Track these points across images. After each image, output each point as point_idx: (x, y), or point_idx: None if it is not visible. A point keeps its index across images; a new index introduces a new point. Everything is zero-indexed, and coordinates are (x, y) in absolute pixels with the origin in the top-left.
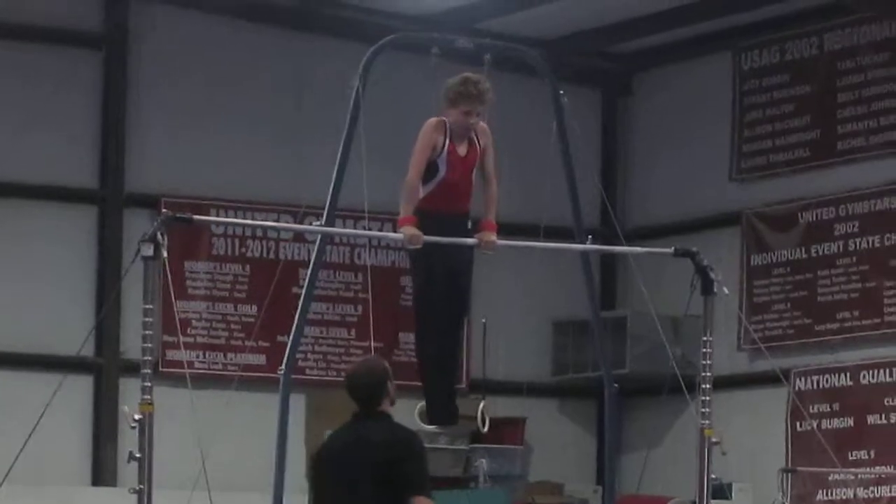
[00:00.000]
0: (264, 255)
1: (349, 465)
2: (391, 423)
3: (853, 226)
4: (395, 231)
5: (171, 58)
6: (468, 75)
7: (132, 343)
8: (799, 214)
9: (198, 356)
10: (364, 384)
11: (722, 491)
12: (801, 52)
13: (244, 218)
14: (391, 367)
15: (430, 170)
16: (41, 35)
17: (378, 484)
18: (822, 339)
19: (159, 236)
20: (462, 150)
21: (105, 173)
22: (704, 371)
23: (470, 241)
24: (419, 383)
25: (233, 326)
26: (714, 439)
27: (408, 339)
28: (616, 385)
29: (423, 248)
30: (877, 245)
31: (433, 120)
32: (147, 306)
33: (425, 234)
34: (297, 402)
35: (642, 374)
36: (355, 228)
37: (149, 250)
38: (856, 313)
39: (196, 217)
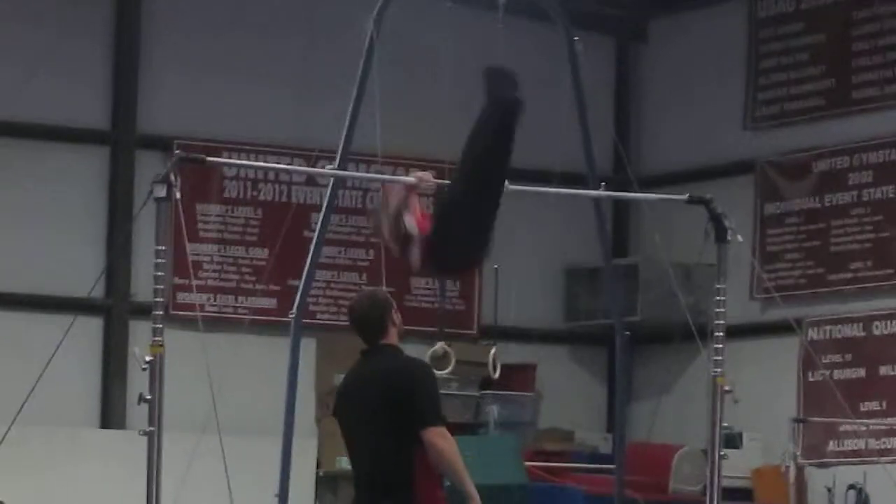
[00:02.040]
0: (276, 198)
1: (361, 401)
2: (398, 355)
3: (867, 175)
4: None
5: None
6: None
7: (143, 285)
8: (813, 164)
9: (209, 299)
10: (366, 315)
11: (733, 440)
12: (816, 0)
13: (256, 161)
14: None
15: None
16: None
17: (390, 417)
18: (834, 288)
19: (172, 177)
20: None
21: (117, 114)
22: (717, 319)
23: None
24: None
25: (244, 270)
26: (726, 388)
27: (419, 284)
28: (627, 332)
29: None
30: (890, 195)
31: None
32: (159, 248)
33: None
34: (308, 346)
35: (654, 322)
36: (368, 172)
37: (161, 191)
38: (868, 263)
39: (209, 158)
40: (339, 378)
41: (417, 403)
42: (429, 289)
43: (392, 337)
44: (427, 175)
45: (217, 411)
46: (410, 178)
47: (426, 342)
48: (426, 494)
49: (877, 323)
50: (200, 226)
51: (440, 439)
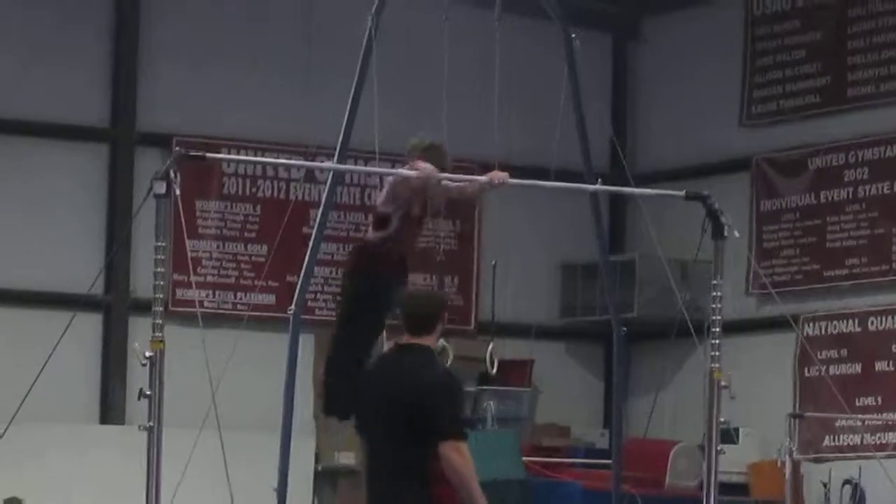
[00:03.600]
0: (275, 194)
1: (387, 398)
2: (430, 360)
3: (862, 172)
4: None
5: None
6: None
7: (142, 282)
8: (808, 160)
9: (208, 295)
10: (420, 306)
11: (729, 435)
12: None
13: (255, 157)
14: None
15: None
16: None
17: (412, 423)
18: (830, 284)
19: (172, 174)
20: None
21: (117, 112)
22: (714, 315)
23: (481, 178)
24: None
25: (243, 266)
26: (723, 383)
27: (417, 280)
28: (624, 328)
29: None
30: (886, 192)
31: None
32: (159, 244)
33: None
34: (307, 342)
35: (650, 318)
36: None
37: (161, 188)
38: (864, 259)
39: (209, 155)
40: None
41: (439, 416)
42: (427, 285)
43: (433, 338)
44: (429, 166)
45: (216, 406)
46: (412, 173)
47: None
48: (441, 491)
49: (872, 318)
50: (200, 222)
51: (455, 454)
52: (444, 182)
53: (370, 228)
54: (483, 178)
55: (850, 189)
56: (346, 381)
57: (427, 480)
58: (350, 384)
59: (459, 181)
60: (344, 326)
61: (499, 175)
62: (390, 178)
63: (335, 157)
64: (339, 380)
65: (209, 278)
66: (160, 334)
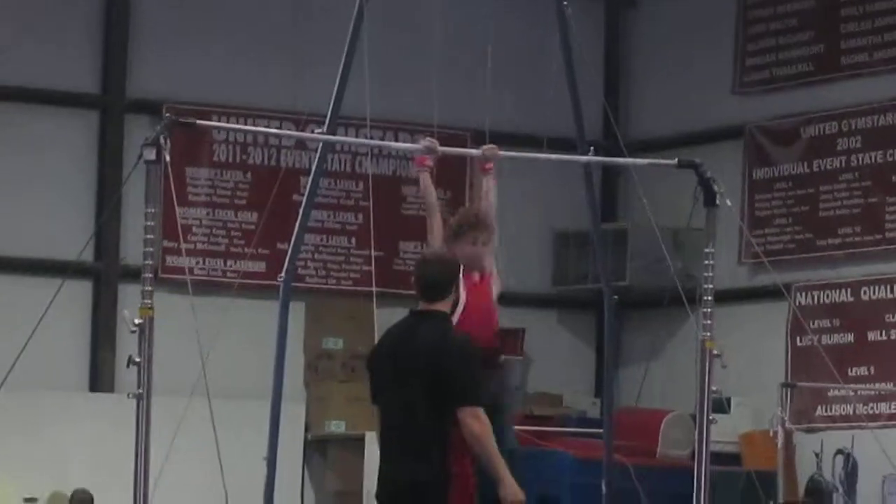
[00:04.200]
0: (266, 162)
1: (404, 364)
2: (445, 325)
3: (856, 141)
4: (396, 140)
5: None
6: (464, 209)
7: (132, 249)
8: (801, 129)
9: (198, 262)
10: (435, 272)
11: (721, 405)
12: None
13: (246, 125)
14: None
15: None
16: None
17: (430, 389)
18: (823, 254)
19: (162, 140)
20: (475, 276)
21: (107, 78)
22: (706, 283)
23: (473, 152)
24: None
25: (233, 233)
26: (715, 352)
27: (407, 248)
28: (616, 297)
29: None
30: (879, 161)
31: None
32: (149, 210)
33: None
34: (297, 310)
35: (642, 287)
36: (357, 137)
37: (151, 154)
38: (857, 229)
39: (199, 122)
40: (327, 341)
41: (458, 381)
42: (417, 253)
43: (447, 304)
44: (435, 142)
45: (206, 374)
46: (402, 145)
47: (416, 306)
48: (457, 469)
49: (865, 288)
50: (190, 189)
51: (473, 420)
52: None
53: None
54: (474, 151)
55: (844, 158)
56: None
57: (445, 450)
58: None
59: (454, 153)
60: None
61: (487, 150)
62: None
63: (325, 126)
64: None
65: (199, 245)
66: (149, 301)
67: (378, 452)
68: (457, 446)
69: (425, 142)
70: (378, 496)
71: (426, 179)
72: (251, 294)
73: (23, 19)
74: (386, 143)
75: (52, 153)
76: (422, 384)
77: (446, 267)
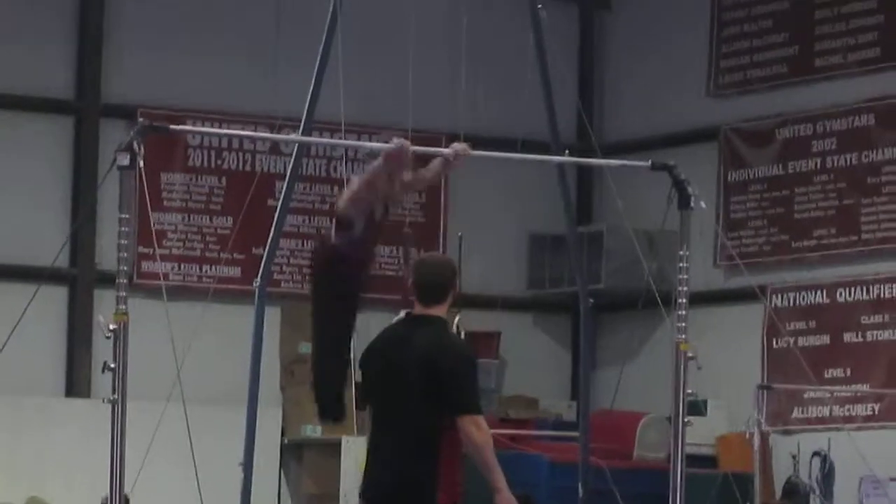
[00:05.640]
0: (240, 167)
1: (400, 370)
2: (443, 330)
3: (831, 143)
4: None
5: None
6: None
7: (107, 254)
8: (776, 131)
9: (173, 268)
10: (433, 276)
11: (697, 407)
12: None
13: (221, 129)
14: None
15: None
16: None
17: (427, 397)
18: (798, 255)
19: (135, 145)
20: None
21: (81, 83)
22: (681, 286)
23: (444, 151)
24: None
25: (208, 238)
26: (690, 354)
27: (384, 252)
28: (591, 300)
29: None
30: (854, 162)
31: None
32: (123, 216)
33: None
34: (272, 315)
35: (618, 289)
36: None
37: (125, 159)
38: (833, 231)
39: (172, 127)
40: (303, 346)
41: (457, 389)
42: (393, 257)
43: (444, 308)
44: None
45: (181, 379)
46: (377, 145)
47: (390, 310)
48: (446, 474)
49: (841, 290)
50: (165, 194)
51: (475, 429)
52: (403, 177)
53: (332, 230)
54: (446, 150)
55: (818, 160)
56: (339, 382)
57: (437, 456)
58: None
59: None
60: (323, 332)
61: (459, 147)
62: (355, 178)
63: (300, 130)
64: (332, 384)
65: (174, 251)
66: (124, 307)
67: (357, 455)
68: (446, 451)
69: (396, 141)
70: (364, 495)
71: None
72: (226, 299)
73: None
74: (359, 143)
75: (26, 158)
76: (417, 389)
77: (444, 270)
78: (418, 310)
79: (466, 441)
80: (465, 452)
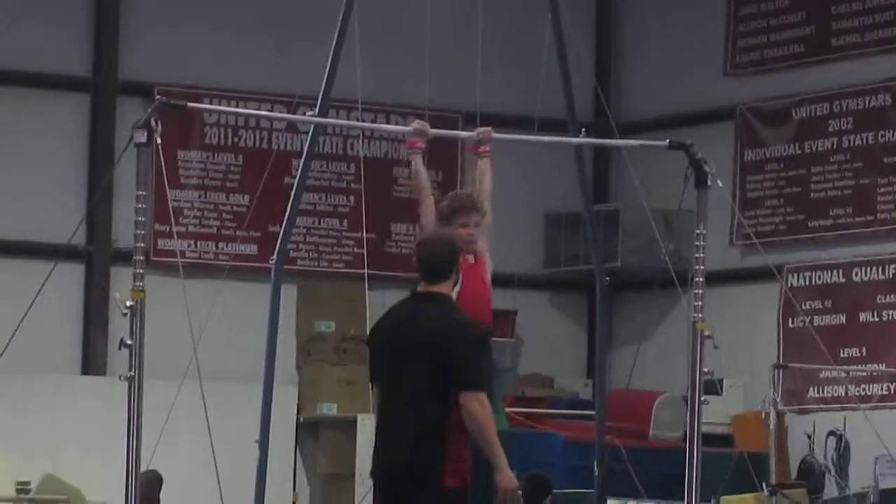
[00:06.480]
0: (257, 144)
1: (405, 347)
2: (447, 307)
3: (847, 122)
4: (388, 122)
5: None
6: (455, 192)
7: (124, 232)
8: (793, 110)
9: (189, 245)
10: (436, 254)
11: (713, 386)
12: None
13: (237, 108)
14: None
15: None
16: None
17: (432, 373)
18: (814, 235)
19: (153, 122)
20: (469, 259)
21: (98, 61)
22: (697, 264)
23: (465, 134)
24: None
25: (224, 216)
26: (706, 333)
27: (399, 230)
28: (608, 279)
29: None
30: (870, 142)
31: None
32: (140, 193)
33: None
34: (288, 292)
35: (634, 268)
36: (348, 119)
37: (142, 136)
38: (849, 210)
39: (190, 104)
40: (319, 324)
41: (461, 366)
42: (409, 235)
43: (449, 285)
44: (426, 125)
45: (198, 357)
46: (393, 127)
47: (407, 288)
48: (453, 452)
49: (857, 269)
50: (181, 172)
51: (476, 405)
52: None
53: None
54: (467, 134)
55: (835, 139)
56: None
57: (444, 433)
58: None
59: (446, 136)
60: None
61: (482, 131)
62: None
63: (317, 109)
64: None
65: (190, 228)
66: (141, 284)
67: (373, 433)
68: (453, 429)
69: (416, 124)
70: (373, 475)
71: (418, 162)
72: (243, 277)
73: (14, 3)
74: (377, 125)
75: (44, 136)
76: (423, 367)
77: (447, 247)
78: (423, 287)
79: (467, 417)
80: (469, 430)
